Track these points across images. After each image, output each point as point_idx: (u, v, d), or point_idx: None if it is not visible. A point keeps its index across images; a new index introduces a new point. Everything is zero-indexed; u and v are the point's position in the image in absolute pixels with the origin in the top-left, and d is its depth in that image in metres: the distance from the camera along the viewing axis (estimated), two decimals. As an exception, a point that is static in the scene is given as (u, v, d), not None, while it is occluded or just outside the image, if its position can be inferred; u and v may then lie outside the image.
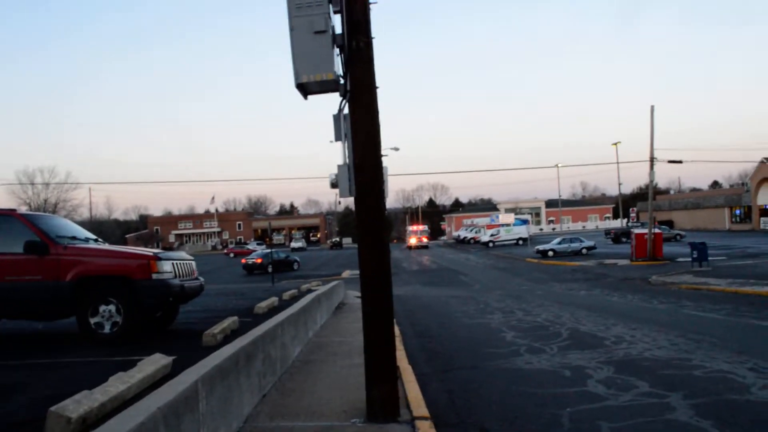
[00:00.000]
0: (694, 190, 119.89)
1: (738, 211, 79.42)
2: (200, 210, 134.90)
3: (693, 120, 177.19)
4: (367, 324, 6.95)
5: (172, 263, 10.84)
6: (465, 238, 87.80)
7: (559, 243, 50.75)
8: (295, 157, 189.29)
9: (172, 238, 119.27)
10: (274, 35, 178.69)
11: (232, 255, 78.25)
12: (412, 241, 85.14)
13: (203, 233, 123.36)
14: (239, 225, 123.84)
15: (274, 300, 15.11)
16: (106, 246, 11.50)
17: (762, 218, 74.10)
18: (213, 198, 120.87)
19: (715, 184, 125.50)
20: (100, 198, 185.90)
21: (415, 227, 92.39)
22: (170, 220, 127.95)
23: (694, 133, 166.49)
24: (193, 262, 12.07)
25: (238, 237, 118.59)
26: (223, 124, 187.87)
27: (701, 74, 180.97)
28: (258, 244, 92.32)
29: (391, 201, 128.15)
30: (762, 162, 72.78)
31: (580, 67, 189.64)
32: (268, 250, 54.21)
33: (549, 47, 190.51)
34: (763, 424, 6.98)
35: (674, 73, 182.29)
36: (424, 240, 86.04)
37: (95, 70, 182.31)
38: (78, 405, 5.27)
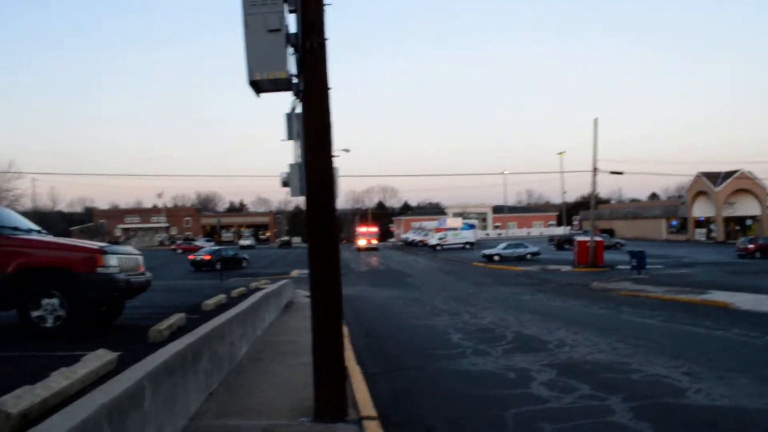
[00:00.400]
0: (633, 200, 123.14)
1: (674, 222, 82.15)
2: (148, 204, 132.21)
3: (635, 132, 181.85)
4: (316, 323, 6.96)
5: (118, 257, 10.62)
6: (413, 240, 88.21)
7: (505, 248, 51.45)
8: (245, 154, 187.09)
9: (118, 232, 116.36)
10: (226, 30, 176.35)
11: (179, 251, 76.86)
12: (361, 242, 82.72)
13: (151, 228, 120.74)
14: (187, 221, 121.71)
15: (222, 297, 14.94)
16: (50, 238, 11.21)
17: (697, 229, 76.75)
18: (161, 193, 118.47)
19: (654, 196, 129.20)
20: (44, 189, 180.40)
21: (364, 228, 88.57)
22: (117, 213, 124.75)
23: (636, 145, 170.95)
24: (140, 257, 11.85)
25: (187, 233, 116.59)
26: (173, 119, 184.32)
27: (642, 88, 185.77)
28: (206, 240, 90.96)
29: (341, 202, 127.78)
30: (698, 176, 75.41)
31: (529, 77, 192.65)
32: (217, 247, 53.60)
33: (500, 57, 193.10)
34: (697, 427, 7.27)
35: (617, 86, 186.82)
36: (374, 242, 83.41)
37: (40, 57, 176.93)
38: (18, 400, 5.14)
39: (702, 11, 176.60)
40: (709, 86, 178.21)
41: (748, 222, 73.73)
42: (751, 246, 47.21)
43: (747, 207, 73.48)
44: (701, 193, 75.66)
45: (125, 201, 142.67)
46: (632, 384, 9.29)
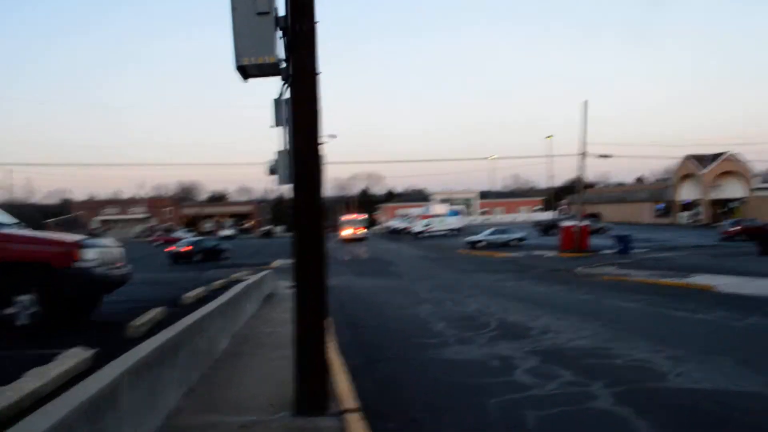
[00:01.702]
0: (620, 184, 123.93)
1: (660, 206, 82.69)
2: (127, 195, 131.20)
3: (622, 114, 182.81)
4: (298, 315, 6.87)
5: (97, 251, 10.45)
6: (398, 228, 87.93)
7: (490, 234, 51.55)
8: (228, 141, 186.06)
9: (96, 224, 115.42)
10: (212, 13, 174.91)
11: (159, 242, 76.33)
12: (346, 233, 73.56)
13: (130, 219, 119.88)
14: (168, 211, 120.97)
15: (202, 290, 14.81)
16: (26, 231, 11.00)
17: (682, 213, 77.37)
18: (142, 184, 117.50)
19: (640, 180, 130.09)
20: (19, 180, 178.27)
21: (349, 217, 79.33)
22: (95, 204, 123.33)
23: (624, 128, 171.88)
24: (120, 250, 11.68)
25: (167, 224, 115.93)
26: (154, 106, 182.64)
27: (630, 71, 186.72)
28: (187, 231, 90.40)
29: (326, 189, 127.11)
30: (685, 159, 75.94)
31: (517, 60, 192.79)
32: (197, 238, 53.25)
33: (486, 41, 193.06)
34: (678, 409, 7.29)
35: (605, 69, 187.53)
36: (361, 231, 74.46)
37: (12, 44, 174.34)
38: (-13, 403, 5.03)
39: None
40: (696, 68, 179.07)
41: (733, 205, 74.30)
42: (734, 229, 47.59)
43: (733, 190, 74.05)
44: (688, 175, 76.22)
45: (103, 192, 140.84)
46: (615, 369, 9.30)
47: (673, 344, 10.94)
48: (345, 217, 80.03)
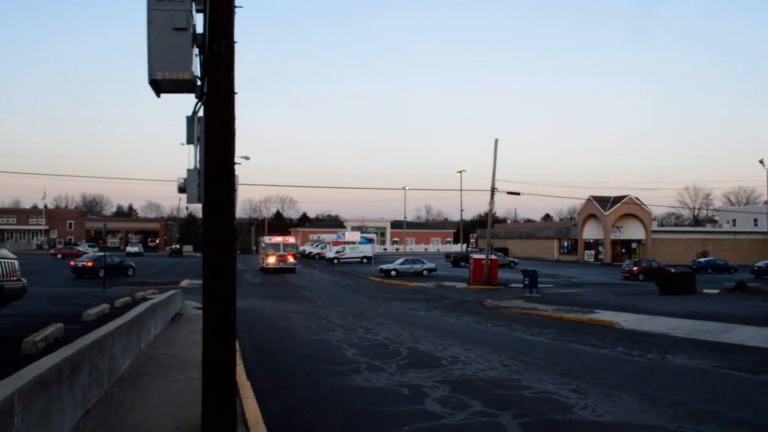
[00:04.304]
0: (528, 221, 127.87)
1: (566, 243, 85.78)
2: (27, 205, 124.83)
3: (532, 154, 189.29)
4: (207, 337, 6.62)
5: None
6: (311, 253, 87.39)
7: (402, 263, 51.96)
8: (137, 156, 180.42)
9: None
10: (128, 26, 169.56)
11: (59, 256, 72.73)
12: (270, 260, 54.57)
13: (28, 230, 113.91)
14: (70, 224, 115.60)
15: (105, 307, 14.15)
16: None
17: (586, 251, 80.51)
18: (44, 194, 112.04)
19: (547, 217, 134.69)
20: None
21: (275, 239, 58.74)
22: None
23: (532, 167, 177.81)
24: (16, 262, 11.03)
25: (69, 237, 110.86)
26: (60, 115, 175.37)
27: (538, 112, 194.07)
28: (90, 246, 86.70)
29: (238, 211, 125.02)
30: (589, 200, 79.25)
31: (432, 95, 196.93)
32: (101, 253, 51.09)
33: (404, 74, 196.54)
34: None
35: (516, 109, 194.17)
36: (291, 260, 55.54)
37: None
38: None
39: (603, 41, 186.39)
40: (606, 115, 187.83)
41: (633, 245, 77.99)
42: (635, 268, 49.93)
43: (633, 231, 77.79)
44: (591, 216, 79.54)
45: (1, 200, 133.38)
46: (522, 400, 9.45)
47: (579, 377, 11.24)
48: (270, 239, 58.83)
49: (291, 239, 60.01)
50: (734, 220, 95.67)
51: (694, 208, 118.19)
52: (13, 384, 5.09)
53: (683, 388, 10.61)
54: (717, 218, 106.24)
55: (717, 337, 16.75)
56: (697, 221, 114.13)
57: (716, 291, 34.12)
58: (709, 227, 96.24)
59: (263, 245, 58.64)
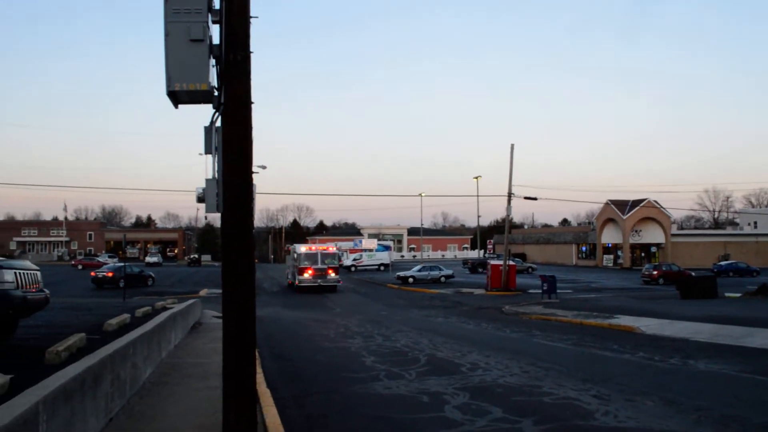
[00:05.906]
0: (546, 226, 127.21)
1: (584, 248, 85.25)
2: (48, 217, 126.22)
3: (550, 158, 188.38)
4: (227, 346, 6.66)
5: (14, 272, 9.93)
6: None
7: (420, 270, 51.87)
8: (155, 167, 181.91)
9: (13, 246, 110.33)
10: (143, 38, 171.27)
11: (80, 267, 73.46)
12: (307, 275, 41.60)
13: (50, 242, 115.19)
14: (90, 235, 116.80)
15: (125, 317, 14.26)
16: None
17: (605, 255, 79.94)
18: (65, 206, 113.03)
19: (565, 222, 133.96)
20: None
21: (310, 247, 45.64)
22: (12, 225, 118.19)
23: (550, 171, 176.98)
24: (38, 272, 11.14)
25: (89, 248, 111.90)
26: (79, 128, 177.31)
27: (554, 116, 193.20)
28: (110, 256, 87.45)
29: (255, 220, 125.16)
30: (607, 204, 78.75)
31: (449, 101, 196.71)
32: (121, 264, 51.50)
33: (421, 80, 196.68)
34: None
35: (532, 114, 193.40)
36: (332, 275, 42.56)
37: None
38: None
39: (613, 48, 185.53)
40: (621, 118, 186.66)
41: (653, 249, 77.31)
42: (655, 272, 49.45)
43: (652, 235, 77.15)
44: (610, 220, 79.02)
45: (22, 213, 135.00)
46: (543, 407, 9.39)
47: (600, 383, 11.15)
48: (305, 248, 45.05)
49: (331, 248, 46.42)
50: (755, 222, 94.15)
51: (714, 211, 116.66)
52: (37, 393, 5.14)
53: (706, 394, 10.49)
54: (738, 221, 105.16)
55: (740, 341, 16.54)
56: (717, 224, 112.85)
57: (738, 294, 33.71)
58: (729, 230, 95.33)
59: (294, 256, 44.79)
